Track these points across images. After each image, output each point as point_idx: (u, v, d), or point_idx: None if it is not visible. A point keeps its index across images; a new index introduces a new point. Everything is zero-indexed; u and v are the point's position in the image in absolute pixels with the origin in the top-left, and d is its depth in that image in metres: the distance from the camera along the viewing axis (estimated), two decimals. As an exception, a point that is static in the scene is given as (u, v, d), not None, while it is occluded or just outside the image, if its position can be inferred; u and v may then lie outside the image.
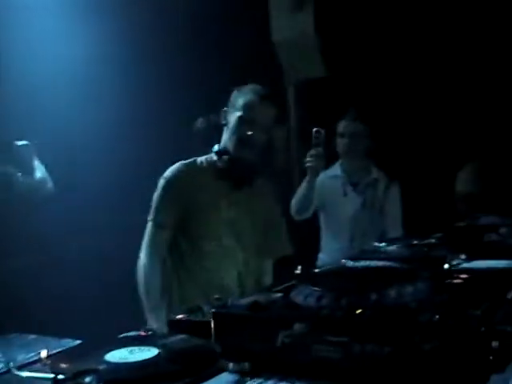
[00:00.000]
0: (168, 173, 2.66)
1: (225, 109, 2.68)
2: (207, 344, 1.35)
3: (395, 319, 0.95)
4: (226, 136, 2.67)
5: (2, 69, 3.78)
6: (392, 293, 1.03)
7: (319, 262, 3.53)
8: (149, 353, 1.32)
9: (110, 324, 2.31)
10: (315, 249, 3.71)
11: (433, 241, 2.34)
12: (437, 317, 0.92)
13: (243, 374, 1.06)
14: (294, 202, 3.40)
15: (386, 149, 3.68)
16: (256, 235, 2.69)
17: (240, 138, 2.59)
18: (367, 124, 3.54)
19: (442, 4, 4.87)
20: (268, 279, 2.75)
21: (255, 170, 2.70)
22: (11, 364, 1.27)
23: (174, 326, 1.58)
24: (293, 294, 1.14)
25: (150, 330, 1.63)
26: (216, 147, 2.71)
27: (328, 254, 3.56)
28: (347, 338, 0.96)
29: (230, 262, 2.64)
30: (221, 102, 2.75)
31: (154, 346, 1.36)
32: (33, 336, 1.57)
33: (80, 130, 3.98)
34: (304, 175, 3.29)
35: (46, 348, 1.31)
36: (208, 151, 2.73)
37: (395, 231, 3.44)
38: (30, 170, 3.66)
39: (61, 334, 1.54)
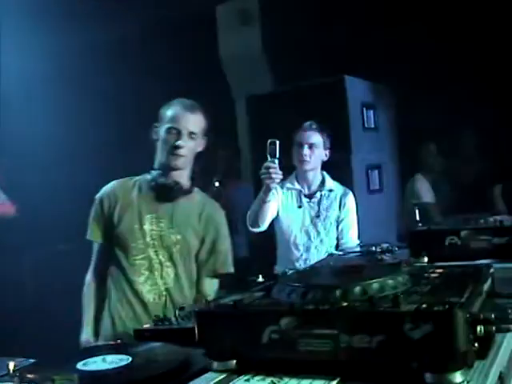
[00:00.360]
0: (100, 191, 2.68)
1: (156, 124, 2.67)
2: (181, 350, 1.34)
3: (382, 310, 0.96)
4: (158, 150, 2.66)
5: None
6: (375, 285, 1.05)
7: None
8: (123, 360, 1.31)
9: (64, 342, 2.26)
10: (271, 260, 3.72)
11: (390, 247, 2.37)
12: (424, 305, 0.93)
13: (228, 373, 1.06)
14: (249, 213, 3.39)
15: (340, 158, 3.72)
16: (189, 251, 2.63)
17: (169, 149, 2.58)
18: (324, 134, 3.57)
19: (385, 18, 5.02)
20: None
21: (188, 182, 2.67)
22: None
23: (142, 335, 1.56)
24: (274, 292, 1.14)
25: (120, 339, 1.61)
26: None
27: (284, 266, 3.55)
28: (335, 331, 0.96)
29: (159, 279, 2.59)
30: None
31: (126, 353, 1.34)
32: (-18, 357, 1.51)
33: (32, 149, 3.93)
34: (259, 187, 3.30)
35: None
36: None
37: (352, 241, 3.47)
38: None
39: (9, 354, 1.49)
